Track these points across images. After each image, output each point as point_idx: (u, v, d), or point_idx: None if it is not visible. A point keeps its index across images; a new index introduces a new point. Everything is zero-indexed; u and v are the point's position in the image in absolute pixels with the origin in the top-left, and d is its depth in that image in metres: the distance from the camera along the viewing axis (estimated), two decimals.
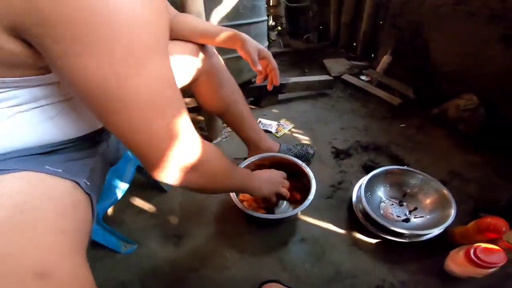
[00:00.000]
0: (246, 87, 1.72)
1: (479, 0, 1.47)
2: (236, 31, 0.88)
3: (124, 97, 0.40)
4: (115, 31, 0.35)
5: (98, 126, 0.62)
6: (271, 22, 3.19)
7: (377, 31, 2.35)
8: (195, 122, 1.31)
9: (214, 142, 1.50)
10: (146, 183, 1.22)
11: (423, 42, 1.84)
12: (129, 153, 0.96)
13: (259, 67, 0.87)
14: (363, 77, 2.20)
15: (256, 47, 0.88)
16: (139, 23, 0.37)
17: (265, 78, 0.95)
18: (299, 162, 1.11)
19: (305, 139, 1.54)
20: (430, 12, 1.75)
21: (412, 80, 1.96)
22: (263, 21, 1.60)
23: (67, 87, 0.49)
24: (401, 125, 1.63)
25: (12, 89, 0.44)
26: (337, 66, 2.35)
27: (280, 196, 0.98)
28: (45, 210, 0.41)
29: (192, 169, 0.55)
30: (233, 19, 1.38)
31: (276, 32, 3.09)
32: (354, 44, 2.68)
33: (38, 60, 0.40)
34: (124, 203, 1.17)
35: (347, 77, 2.16)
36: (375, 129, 1.61)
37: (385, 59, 2.13)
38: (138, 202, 1.18)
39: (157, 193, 1.21)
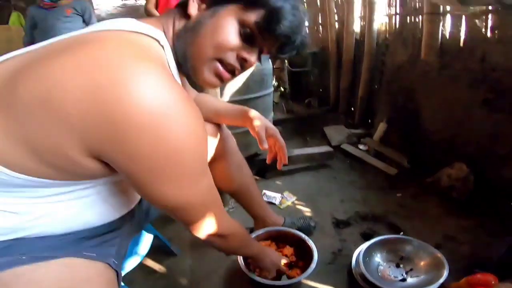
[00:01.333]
0: (253, 159, 1.85)
1: (460, 63, 1.66)
2: (246, 108, 0.96)
3: (185, 203, 0.58)
4: (181, 164, 0.50)
5: (131, 207, 0.74)
6: (274, 83, 3.38)
7: (373, 96, 2.54)
8: None
9: None
10: (157, 245, 1.30)
11: (415, 108, 2.02)
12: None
13: (266, 146, 0.93)
14: (361, 146, 2.35)
15: (264, 125, 0.94)
16: (197, 156, 0.53)
17: (275, 157, 1.00)
18: (302, 235, 1.21)
19: (307, 211, 1.63)
20: (420, 77, 1.94)
21: (406, 148, 2.10)
22: (269, 93, 1.78)
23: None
24: (398, 194, 1.74)
25: (76, 186, 0.56)
26: (336, 134, 2.52)
27: (279, 272, 1.08)
28: None
29: (220, 237, 0.73)
30: (244, 94, 1.59)
31: (279, 93, 3.30)
32: (353, 109, 2.87)
33: (109, 171, 0.51)
34: None
35: (346, 147, 2.32)
36: (373, 199, 1.71)
37: (381, 127, 2.29)
38: (149, 262, 1.25)
39: (168, 255, 1.29)
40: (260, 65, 1.61)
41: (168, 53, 0.59)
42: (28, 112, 0.41)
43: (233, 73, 0.63)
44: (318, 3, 3.31)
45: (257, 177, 1.95)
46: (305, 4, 3.58)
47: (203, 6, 0.60)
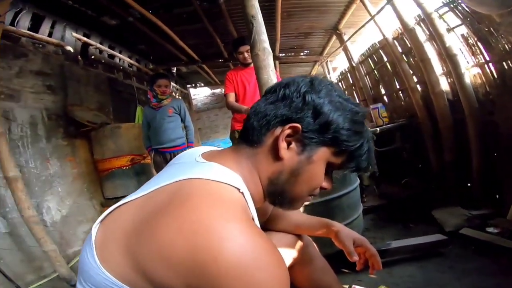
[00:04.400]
0: (341, 251, 1.64)
1: None
2: (328, 221, 0.96)
3: None
4: None
5: None
6: None
7: (494, 167, 2.08)
8: None
9: None
10: None
11: None
12: None
13: (356, 258, 0.90)
14: (490, 229, 1.85)
15: (351, 237, 0.92)
16: None
17: (365, 262, 0.96)
18: None
19: None
20: None
21: None
22: (354, 188, 1.65)
23: None
24: None
25: None
26: (450, 217, 2.08)
27: None
28: None
29: None
30: (325, 195, 1.52)
31: (369, 174, 2.95)
32: (469, 184, 2.36)
33: None
34: None
35: (468, 231, 1.86)
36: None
37: None
38: None
39: None
40: None
41: (247, 198, 0.60)
42: (147, 260, 0.51)
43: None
44: (389, 67, 3.21)
45: (346, 270, 1.70)
46: (376, 71, 3.51)
47: (295, 148, 0.62)
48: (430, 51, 2.50)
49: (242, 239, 0.48)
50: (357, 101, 4.15)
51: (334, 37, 4.50)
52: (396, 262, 1.72)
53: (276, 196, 0.67)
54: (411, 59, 2.83)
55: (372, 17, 3.16)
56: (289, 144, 0.61)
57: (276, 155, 0.61)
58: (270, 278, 0.49)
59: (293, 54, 5.53)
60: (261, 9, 1.40)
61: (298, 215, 1.01)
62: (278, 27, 3.82)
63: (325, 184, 0.67)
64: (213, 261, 0.46)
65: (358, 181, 1.73)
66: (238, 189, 0.58)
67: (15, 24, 2.70)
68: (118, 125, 3.32)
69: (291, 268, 0.99)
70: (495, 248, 1.66)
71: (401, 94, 3.21)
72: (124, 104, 4.27)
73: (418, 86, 2.80)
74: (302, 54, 5.58)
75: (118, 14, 3.26)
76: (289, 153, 0.61)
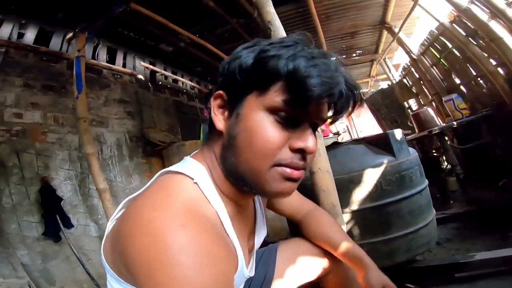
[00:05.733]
0: (403, 268, 1.45)
1: None
2: (364, 255, 0.83)
3: None
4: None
5: None
6: (447, 166, 2.75)
7: None
8: None
9: None
10: None
11: None
12: None
13: None
14: None
15: (380, 281, 0.78)
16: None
17: None
18: None
19: None
20: None
21: None
22: (420, 191, 1.43)
23: None
24: None
25: None
26: None
27: None
28: None
29: None
30: (376, 199, 1.35)
31: (455, 177, 2.52)
32: None
33: None
34: None
35: None
36: None
37: None
38: None
39: None
40: (394, 159, 1.37)
41: (204, 187, 0.57)
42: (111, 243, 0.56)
43: (303, 168, 0.54)
44: (457, 53, 2.81)
45: (411, 286, 1.47)
46: (443, 60, 3.11)
47: (226, 113, 0.57)
48: (498, 29, 2.20)
49: (161, 228, 0.46)
50: (430, 96, 3.76)
51: (385, 32, 4.22)
52: (481, 276, 1.44)
53: (237, 179, 0.57)
54: (480, 41, 2.48)
55: (416, 2, 2.91)
56: (224, 114, 0.57)
57: (217, 131, 0.57)
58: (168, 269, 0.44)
59: (344, 56, 5.30)
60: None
61: (331, 231, 0.89)
62: (320, 31, 3.79)
63: (296, 142, 0.53)
64: (130, 241, 0.48)
65: (426, 182, 1.50)
66: (192, 179, 0.56)
67: (96, 58, 3.20)
68: (183, 143, 3.62)
69: (322, 277, 0.92)
70: None
71: (480, 81, 2.76)
72: (190, 123, 4.62)
73: (499, 69, 2.40)
74: (354, 55, 5.33)
75: (171, 41, 3.58)
76: (224, 123, 0.56)
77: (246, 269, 0.67)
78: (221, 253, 0.48)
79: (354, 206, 1.36)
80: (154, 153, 3.64)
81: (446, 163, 2.88)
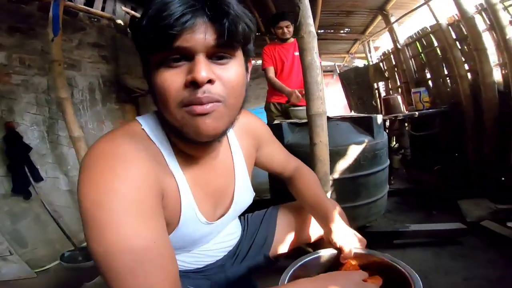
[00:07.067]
0: (359, 232, 1.74)
1: None
2: (333, 216, 0.87)
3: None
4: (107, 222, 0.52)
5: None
6: (394, 144, 3.06)
7: None
8: None
9: None
10: None
11: None
12: None
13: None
14: (510, 224, 1.89)
15: (346, 240, 0.85)
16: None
17: None
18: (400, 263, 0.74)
19: None
20: None
21: None
22: (384, 168, 1.70)
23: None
24: None
25: None
26: (475, 209, 2.13)
27: None
28: None
29: None
30: (353, 171, 1.58)
31: (400, 156, 2.88)
32: (503, 179, 2.36)
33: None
34: None
35: (488, 224, 1.91)
36: None
37: None
38: None
39: None
40: (373, 139, 1.61)
41: (151, 133, 0.66)
42: None
43: (208, 101, 0.55)
44: (439, 52, 3.08)
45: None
46: (423, 55, 3.35)
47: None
48: (488, 41, 2.39)
49: (105, 156, 0.58)
50: (398, 83, 4.11)
51: (379, 18, 4.29)
52: (413, 245, 1.80)
53: (170, 128, 0.64)
54: (465, 47, 2.70)
55: (426, 2, 3.00)
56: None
57: None
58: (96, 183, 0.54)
59: (332, 31, 5.32)
60: None
61: (309, 189, 0.97)
62: (319, 3, 3.71)
63: (187, 77, 0.54)
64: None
65: (388, 162, 1.77)
66: (141, 125, 0.66)
67: (73, 0, 2.88)
68: None
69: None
70: (509, 243, 1.69)
71: (448, 81, 3.11)
72: None
73: (468, 74, 2.71)
74: (342, 32, 5.36)
75: None
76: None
77: (200, 214, 0.72)
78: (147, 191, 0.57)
79: (336, 175, 1.58)
80: (129, 99, 3.50)
81: (394, 143, 3.24)
